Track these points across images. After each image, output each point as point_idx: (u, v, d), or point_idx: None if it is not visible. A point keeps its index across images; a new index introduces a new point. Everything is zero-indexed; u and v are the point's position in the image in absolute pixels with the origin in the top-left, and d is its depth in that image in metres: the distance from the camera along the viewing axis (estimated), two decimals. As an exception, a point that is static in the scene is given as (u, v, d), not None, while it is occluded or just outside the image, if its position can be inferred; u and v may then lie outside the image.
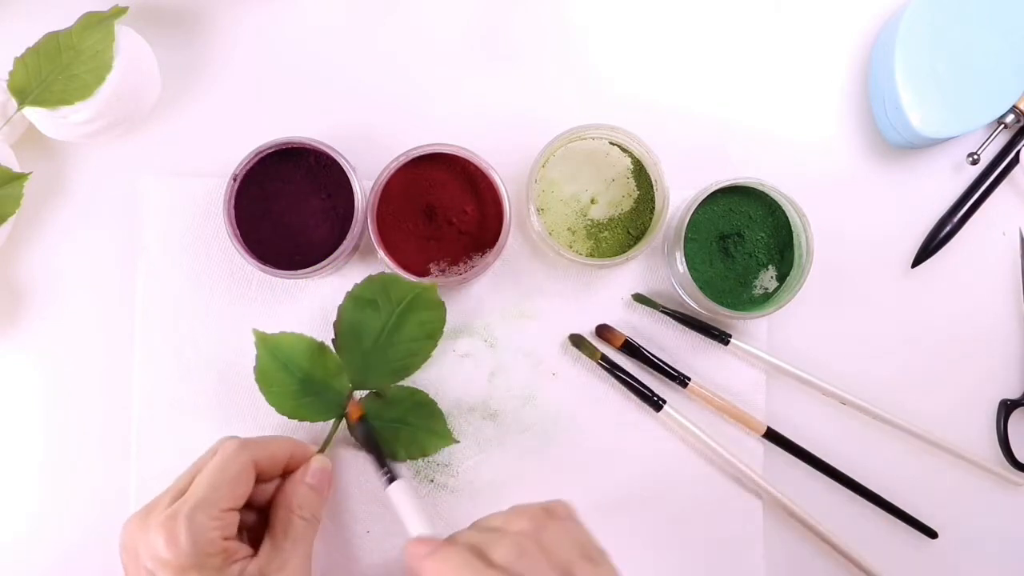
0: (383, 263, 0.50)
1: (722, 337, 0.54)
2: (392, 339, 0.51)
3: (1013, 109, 0.54)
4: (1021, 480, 0.55)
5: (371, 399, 0.52)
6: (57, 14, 0.52)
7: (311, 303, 0.54)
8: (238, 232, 0.50)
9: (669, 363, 0.54)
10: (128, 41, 0.51)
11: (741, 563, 0.54)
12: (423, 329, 0.51)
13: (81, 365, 0.54)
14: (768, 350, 0.54)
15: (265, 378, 0.51)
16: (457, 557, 0.40)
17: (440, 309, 0.51)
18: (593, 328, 0.54)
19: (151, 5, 0.56)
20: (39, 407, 0.54)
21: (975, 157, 0.55)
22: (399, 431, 0.52)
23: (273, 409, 0.51)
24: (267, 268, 0.50)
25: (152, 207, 0.54)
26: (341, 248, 0.50)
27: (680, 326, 0.55)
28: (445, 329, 0.52)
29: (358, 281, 0.51)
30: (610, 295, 0.55)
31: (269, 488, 0.48)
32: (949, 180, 0.57)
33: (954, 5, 0.53)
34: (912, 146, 0.55)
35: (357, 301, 0.51)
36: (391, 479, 0.48)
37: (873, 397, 0.55)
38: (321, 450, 0.51)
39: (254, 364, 0.51)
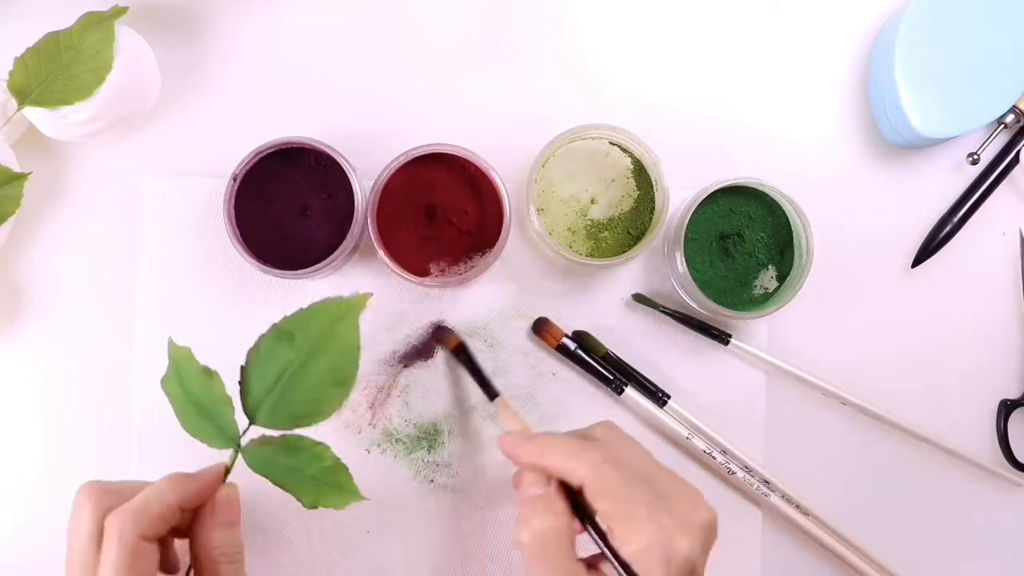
0: (383, 263, 0.50)
1: (722, 337, 0.54)
2: (296, 382, 0.45)
3: (1013, 109, 0.54)
4: (1021, 480, 0.55)
5: (265, 441, 0.46)
6: (57, 14, 0.52)
7: (311, 303, 0.54)
8: (238, 232, 0.50)
9: (659, 371, 0.54)
10: (128, 41, 0.51)
11: (740, 564, 0.54)
12: (332, 376, 0.45)
13: (81, 365, 0.54)
14: (768, 350, 0.54)
15: (169, 389, 0.47)
16: (557, 437, 0.42)
17: (352, 354, 0.45)
18: (593, 326, 0.54)
19: (151, 5, 0.56)
20: (39, 407, 0.54)
21: (975, 157, 0.55)
22: (299, 480, 0.46)
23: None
24: (267, 268, 0.50)
25: (152, 207, 0.54)
26: (341, 248, 0.50)
27: (680, 326, 0.54)
28: (448, 326, 0.52)
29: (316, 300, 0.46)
30: (610, 295, 0.55)
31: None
32: (949, 180, 0.57)
33: (954, 5, 0.53)
34: (912, 146, 0.55)
35: (278, 333, 0.46)
36: (492, 396, 0.50)
37: (873, 397, 0.55)
38: (223, 478, 0.46)
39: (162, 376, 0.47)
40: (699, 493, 0.41)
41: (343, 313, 0.46)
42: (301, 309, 0.46)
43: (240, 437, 0.46)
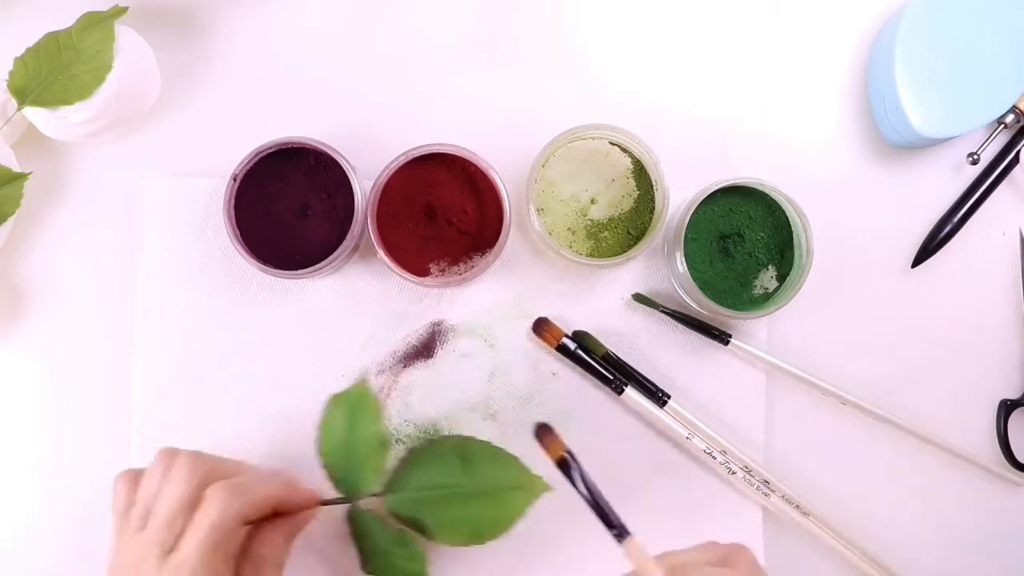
0: (383, 263, 0.50)
1: (722, 337, 0.54)
2: (448, 503, 0.49)
3: (1013, 109, 0.54)
4: (1021, 480, 0.55)
5: (380, 516, 0.50)
6: (57, 14, 0.52)
7: (311, 303, 0.54)
8: (238, 232, 0.50)
9: (659, 371, 0.54)
10: (128, 41, 0.51)
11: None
12: (477, 524, 0.48)
13: (81, 365, 0.54)
14: (768, 350, 0.54)
15: (333, 409, 0.52)
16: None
17: (507, 521, 0.48)
18: (593, 326, 0.54)
19: (151, 5, 0.56)
20: (39, 407, 0.54)
21: (975, 157, 0.55)
22: (379, 559, 0.49)
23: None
24: (267, 268, 0.50)
25: (152, 207, 0.54)
26: (341, 248, 0.50)
27: (680, 326, 0.55)
28: (446, 328, 0.52)
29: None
30: (610, 295, 0.55)
31: None
32: (949, 180, 0.57)
33: (954, 5, 0.53)
34: (912, 146, 0.55)
35: (457, 449, 0.50)
36: (620, 536, 0.41)
37: (873, 397, 0.55)
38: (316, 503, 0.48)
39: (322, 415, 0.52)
40: None
41: (525, 486, 0.49)
42: (489, 444, 0.50)
43: (364, 497, 0.50)
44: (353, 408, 0.51)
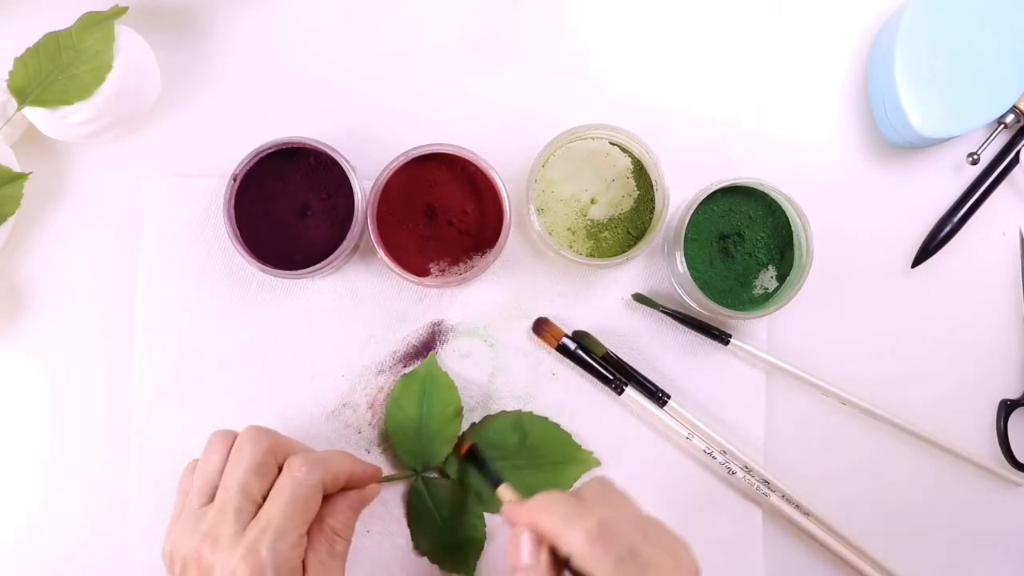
0: (383, 263, 0.50)
1: (722, 337, 0.54)
2: (509, 473, 0.51)
3: (1013, 109, 0.54)
4: (1021, 480, 0.55)
5: (443, 483, 0.52)
6: (57, 14, 0.52)
7: (311, 303, 0.54)
8: (238, 232, 0.50)
9: (659, 371, 0.54)
10: (128, 41, 0.51)
11: (741, 564, 0.54)
12: (532, 495, 0.49)
13: (81, 365, 0.54)
14: (768, 350, 0.54)
15: (404, 387, 0.53)
16: (552, 498, 0.42)
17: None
18: (593, 326, 0.54)
19: (151, 5, 0.56)
20: (39, 407, 0.54)
21: (975, 157, 0.55)
22: (436, 530, 0.52)
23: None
24: (267, 268, 0.50)
25: (152, 207, 0.54)
26: (341, 248, 0.50)
27: (680, 326, 0.54)
28: (446, 328, 0.53)
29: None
30: (610, 295, 0.55)
31: None
32: (949, 180, 0.57)
33: (954, 5, 0.53)
34: (912, 146, 0.55)
35: (516, 423, 0.53)
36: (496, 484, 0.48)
37: (873, 397, 0.55)
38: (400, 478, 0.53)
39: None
40: (686, 549, 0.42)
41: (577, 461, 0.53)
42: (545, 419, 0.53)
43: (431, 469, 0.52)
44: (426, 383, 0.53)
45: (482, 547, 0.52)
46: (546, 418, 0.53)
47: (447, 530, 0.52)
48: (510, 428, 0.53)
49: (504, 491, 0.47)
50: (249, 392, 0.54)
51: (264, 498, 0.44)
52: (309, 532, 0.45)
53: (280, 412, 0.53)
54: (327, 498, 0.46)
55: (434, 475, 0.53)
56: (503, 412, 0.53)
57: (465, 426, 0.53)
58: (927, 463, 0.56)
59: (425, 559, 0.53)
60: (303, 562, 0.43)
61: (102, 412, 0.54)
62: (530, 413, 0.53)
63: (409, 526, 0.53)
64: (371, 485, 0.48)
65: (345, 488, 0.47)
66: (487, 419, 0.53)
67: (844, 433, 0.55)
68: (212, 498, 0.44)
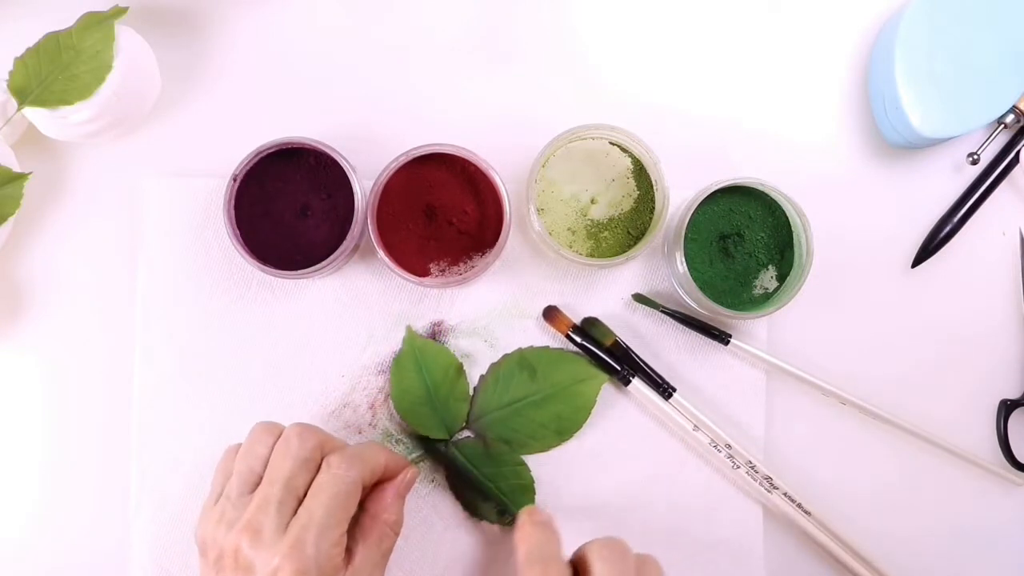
0: (383, 263, 0.50)
1: (722, 337, 0.54)
2: (525, 412, 0.52)
3: (1013, 109, 0.54)
4: (1021, 480, 0.55)
5: (474, 443, 0.53)
6: (57, 14, 0.52)
7: (311, 303, 0.54)
8: (238, 232, 0.50)
9: (659, 371, 0.54)
10: (128, 41, 0.51)
11: (741, 565, 0.54)
12: (557, 424, 0.53)
13: (81, 365, 0.54)
14: (768, 350, 0.54)
15: (399, 370, 0.53)
16: (614, 544, 0.43)
17: (583, 415, 0.53)
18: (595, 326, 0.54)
19: (151, 5, 0.56)
20: (39, 407, 0.54)
21: (975, 157, 0.55)
22: (483, 486, 0.53)
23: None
24: (267, 268, 0.50)
25: (152, 207, 0.54)
26: (341, 248, 0.50)
27: (680, 326, 0.55)
28: (446, 328, 0.52)
29: (539, 345, 0.53)
30: (610, 295, 0.55)
31: None
32: (949, 180, 0.57)
33: (954, 5, 0.53)
34: (912, 146, 0.55)
35: (522, 360, 0.53)
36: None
37: (873, 397, 0.55)
38: (416, 461, 0.53)
39: (395, 352, 0.53)
40: None
41: (589, 377, 0.53)
42: (546, 348, 0.53)
43: (456, 433, 0.53)
44: (417, 357, 0.53)
45: (533, 491, 0.53)
46: (546, 346, 0.53)
47: (495, 485, 0.52)
48: (517, 367, 0.53)
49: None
50: (249, 392, 0.54)
51: (305, 495, 0.44)
52: (359, 526, 0.45)
53: (280, 412, 0.53)
54: (374, 491, 0.47)
55: (463, 436, 0.53)
56: (505, 355, 0.53)
57: (474, 381, 0.53)
58: (927, 463, 0.56)
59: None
60: (349, 555, 0.44)
61: (102, 412, 0.54)
62: (530, 347, 0.53)
63: (458, 498, 0.53)
64: (410, 469, 0.48)
65: (381, 481, 0.47)
66: (493, 367, 0.53)
67: (844, 433, 0.55)
68: (254, 488, 0.44)
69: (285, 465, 0.44)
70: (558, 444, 0.53)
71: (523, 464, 0.53)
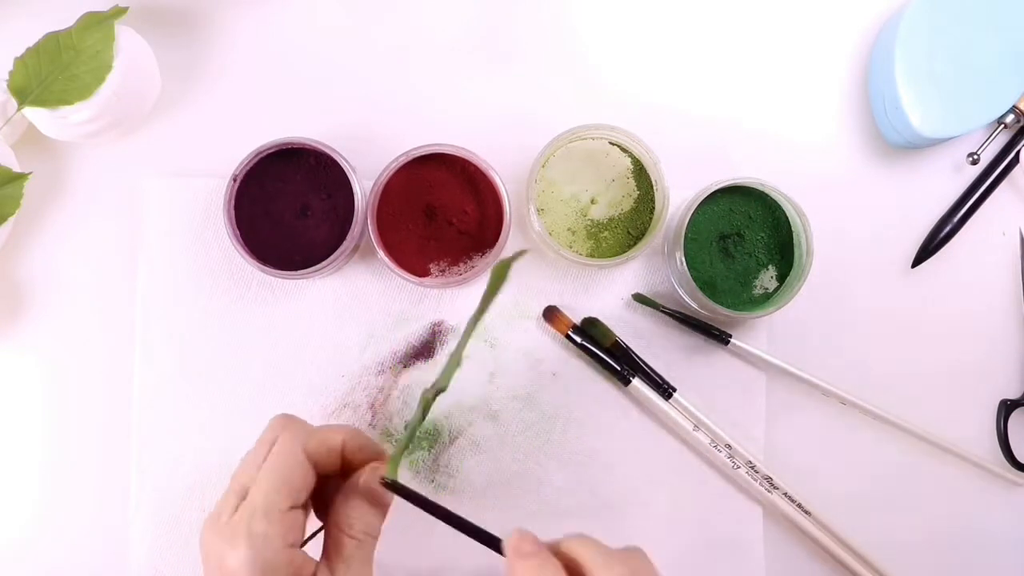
0: (383, 263, 0.50)
1: (722, 337, 0.54)
2: None
3: (1013, 109, 0.54)
4: (1021, 480, 0.55)
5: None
6: (57, 14, 0.52)
7: (311, 303, 0.54)
8: (238, 232, 0.50)
9: (659, 372, 0.54)
10: (128, 41, 0.51)
11: (741, 564, 0.54)
12: None
13: (81, 365, 0.54)
14: (768, 350, 0.54)
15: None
16: (591, 539, 0.38)
17: None
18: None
19: (151, 5, 0.56)
20: (39, 407, 0.54)
21: (975, 157, 0.55)
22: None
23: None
24: (267, 268, 0.50)
25: (153, 207, 0.54)
26: (341, 248, 0.50)
27: (680, 326, 0.54)
28: (446, 328, 0.52)
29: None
30: (610, 295, 0.55)
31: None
32: (949, 180, 0.57)
33: (954, 5, 0.53)
34: (912, 146, 0.55)
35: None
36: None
37: (873, 397, 0.55)
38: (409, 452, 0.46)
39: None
40: None
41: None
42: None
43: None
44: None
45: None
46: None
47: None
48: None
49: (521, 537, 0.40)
50: (249, 392, 0.54)
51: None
52: (332, 542, 0.41)
53: (280, 412, 0.53)
54: (336, 501, 0.42)
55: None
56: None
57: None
58: (927, 463, 0.56)
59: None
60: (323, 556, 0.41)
61: (102, 412, 0.54)
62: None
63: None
64: (370, 465, 0.42)
65: (349, 467, 0.43)
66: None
67: (844, 433, 0.55)
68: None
69: (250, 451, 0.42)
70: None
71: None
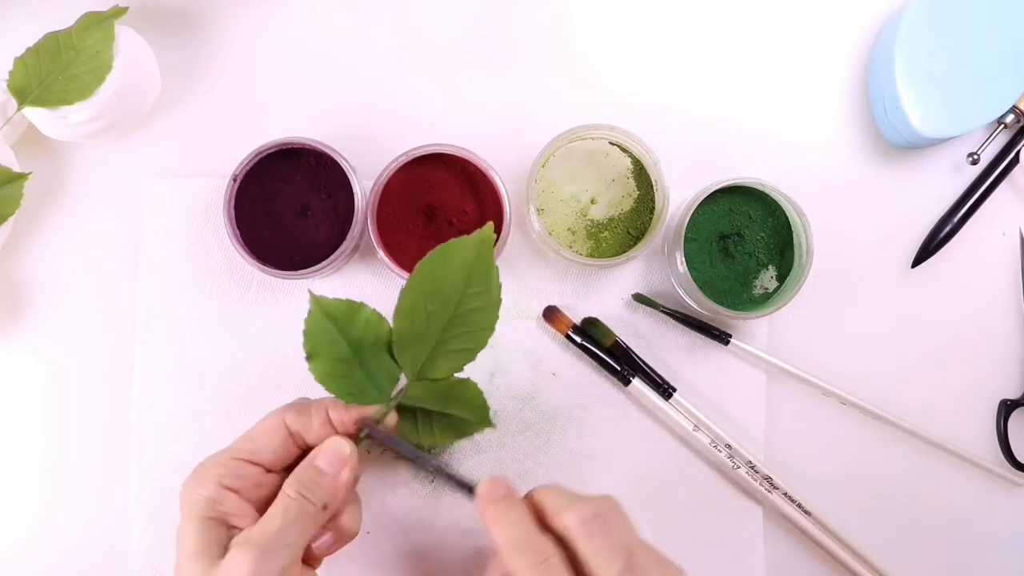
0: (383, 263, 0.50)
1: (722, 337, 0.54)
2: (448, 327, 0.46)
3: (1013, 109, 0.54)
4: (1021, 480, 0.55)
5: (425, 386, 0.46)
6: (57, 14, 0.52)
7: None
8: (238, 232, 0.50)
9: (659, 372, 0.54)
10: (128, 41, 0.51)
11: (741, 563, 0.54)
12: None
13: (81, 365, 0.54)
14: (768, 350, 0.54)
15: (313, 341, 0.44)
16: (557, 486, 0.41)
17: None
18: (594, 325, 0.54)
19: (151, 5, 0.56)
20: (39, 406, 0.54)
21: (975, 157, 0.55)
22: (446, 422, 0.47)
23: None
24: (267, 268, 0.50)
25: (153, 207, 0.54)
26: (341, 248, 0.50)
27: (680, 326, 0.55)
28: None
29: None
30: (610, 295, 0.55)
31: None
32: (949, 180, 0.57)
33: (954, 5, 0.53)
34: (912, 146, 0.55)
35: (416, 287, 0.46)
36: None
37: (873, 397, 0.55)
38: (359, 437, 0.45)
39: (303, 328, 0.44)
40: (680, 573, 0.40)
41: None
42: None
43: (400, 393, 0.46)
44: (340, 320, 0.45)
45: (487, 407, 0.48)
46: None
47: (448, 415, 0.47)
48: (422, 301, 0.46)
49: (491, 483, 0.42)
50: (249, 392, 0.54)
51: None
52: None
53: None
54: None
55: (401, 389, 0.46)
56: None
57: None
58: (927, 463, 0.56)
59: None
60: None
61: (102, 412, 0.54)
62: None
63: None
64: (331, 438, 0.43)
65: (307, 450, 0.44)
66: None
67: (844, 433, 0.55)
68: None
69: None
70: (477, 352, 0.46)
71: (472, 382, 0.47)
